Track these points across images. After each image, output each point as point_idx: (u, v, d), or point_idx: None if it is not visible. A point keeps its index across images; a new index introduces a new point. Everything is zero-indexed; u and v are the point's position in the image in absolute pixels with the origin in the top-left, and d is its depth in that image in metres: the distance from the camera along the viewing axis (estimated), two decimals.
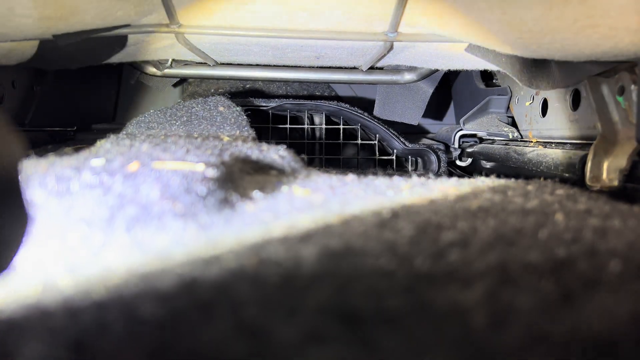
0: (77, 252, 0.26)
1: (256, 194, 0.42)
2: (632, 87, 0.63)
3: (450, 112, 1.37)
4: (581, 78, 0.71)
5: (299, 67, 1.12)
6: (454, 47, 0.83)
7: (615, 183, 0.63)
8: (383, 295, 0.21)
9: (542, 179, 0.63)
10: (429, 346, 0.17)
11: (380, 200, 0.41)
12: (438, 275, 0.23)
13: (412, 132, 1.31)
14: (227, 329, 0.17)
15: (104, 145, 0.62)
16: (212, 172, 0.38)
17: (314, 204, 0.39)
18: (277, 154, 0.62)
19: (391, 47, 0.88)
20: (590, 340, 0.19)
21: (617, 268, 0.25)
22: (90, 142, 0.69)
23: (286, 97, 1.17)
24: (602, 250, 0.28)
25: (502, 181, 0.57)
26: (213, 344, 0.16)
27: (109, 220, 0.30)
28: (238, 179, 0.44)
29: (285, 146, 0.67)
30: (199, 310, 0.18)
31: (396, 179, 0.55)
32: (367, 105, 1.19)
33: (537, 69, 0.77)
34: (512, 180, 0.60)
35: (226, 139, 0.72)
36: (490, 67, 0.92)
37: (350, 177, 0.55)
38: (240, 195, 0.41)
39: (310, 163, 1.13)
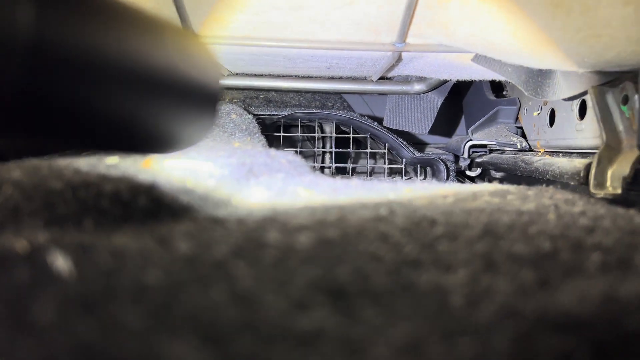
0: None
1: (261, 193, 0.44)
2: (636, 96, 0.64)
3: (462, 124, 1.38)
4: (586, 88, 0.72)
5: (311, 77, 1.14)
6: (461, 57, 0.85)
7: (619, 190, 0.64)
8: (368, 275, 0.22)
9: (545, 186, 0.63)
10: (406, 317, 0.18)
11: (381, 200, 0.43)
12: (424, 261, 0.25)
13: (422, 143, 1.32)
14: (222, 298, 0.19)
15: None
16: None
17: (316, 202, 0.40)
18: (285, 158, 0.64)
19: (399, 58, 0.90)
20: (561, 317, 0.20)
21: (597, 259, 0.26)
22: None
23: (298, 107, 1.20)
24: (586, 244, 0.29)
25: (504, 186, 0.58)
26: (209, 309, 0.18)
27: None
28: (244, 178, 0.46)
29: (293, 152, 0.69)
30: (198, 282, 0.20)
31: (399, 183, 0.56)
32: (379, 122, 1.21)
33: (542, 78, 0.78)
34: (515, 186, 0.61)
35: (237, 144, 0.74)
36: (497, 77, 0.93)
37: (355, 181, 0.56)
38: (245, 193, 0.42)
39: (320, 171, 1.15)
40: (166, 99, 0.30)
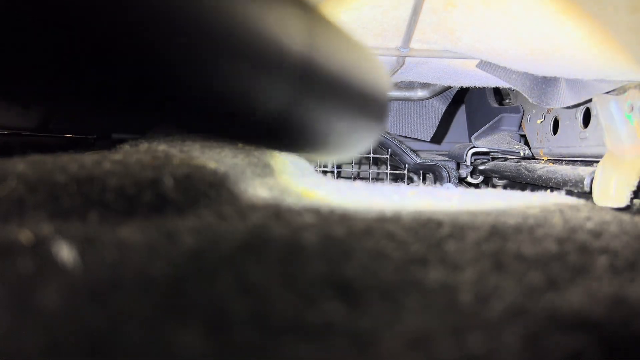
0: None
1: (265, 192, 0.44)
2: None
3: (465, 131, 1.38)
4: (591, 96, 0.72)
5: None
6: (465, 63, 0.85)
7: (623, 199, 0.64)
8: (377, 271, 0.22)
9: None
10: (415, 312, 0.18)
11: (386, 202, 0.42)
12: (431, 259, 0.25)
13: (425, 150, 1.32)
14: (229, 290, 0.19)
15: (123, 147, 0.65)
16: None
17: (321, 201, 0.40)
18: (289, 159, 0.64)
19: (404, 63, 0.90)
20: (571, 317, 0.20)
21: (605, 262, 0.26)
22: (110, 149, 0.72)
23: None
24: (593, 247, 0.29)
25: (508, 192, 0.58)
26: (216, 300, 0.18)
27: None
28: (249, 178, 0.46)
29: (297, 154, 0.69)
30: (204, 274, 0.20)
31: (402, 186, 0.56)
32: None
33: (547, 86, 0.78)
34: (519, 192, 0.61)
35: (241, 145, 0.74)
36: (502, 83, 0.93)
37: (359, 183, 0.56)
38: (249, 193, 0.42)
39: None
40: (341, 106, 0.30)
